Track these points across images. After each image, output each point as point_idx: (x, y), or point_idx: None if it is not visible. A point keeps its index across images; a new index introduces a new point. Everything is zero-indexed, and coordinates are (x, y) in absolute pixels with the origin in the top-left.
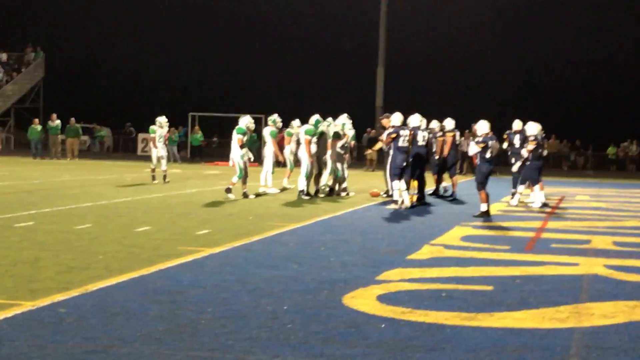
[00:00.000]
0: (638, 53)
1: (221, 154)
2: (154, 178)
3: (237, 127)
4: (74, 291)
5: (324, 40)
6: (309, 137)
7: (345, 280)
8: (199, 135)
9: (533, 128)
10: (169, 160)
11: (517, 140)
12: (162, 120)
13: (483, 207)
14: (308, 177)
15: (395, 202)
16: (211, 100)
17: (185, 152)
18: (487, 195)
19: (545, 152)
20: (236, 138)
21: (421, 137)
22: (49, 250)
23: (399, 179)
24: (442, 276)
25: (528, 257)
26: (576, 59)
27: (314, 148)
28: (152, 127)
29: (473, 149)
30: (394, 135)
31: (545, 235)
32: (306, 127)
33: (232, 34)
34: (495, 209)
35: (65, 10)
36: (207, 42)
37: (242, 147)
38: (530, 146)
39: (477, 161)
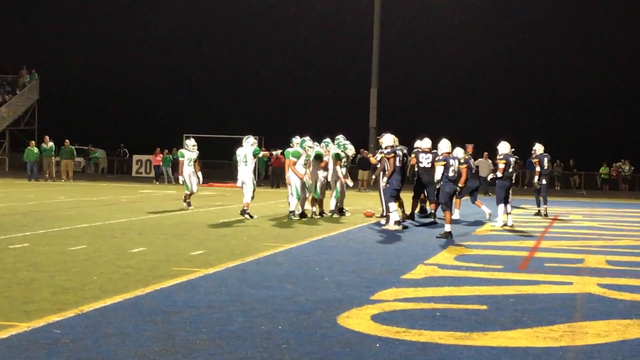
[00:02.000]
0: (633, 74)
1: (216, 175)
2: (189, 204)
3: (292, 149)
4: (68, 312)
5: (317, 61)
6: (294, 159)
7: (339, 300)
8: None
9: (504, 147)
10: (163, 181)
11: (546, 163)
12: (189, 143)
13: (447, 228)
14: (299, 198)
15: (397, 222)
16: (205, 122)
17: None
18: (451, 215)
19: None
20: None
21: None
22: (43, 272)
23: (395, 200)
24: (437, 295)
25: (522, 276)
26: (570, 80)
27: (302, 169)
28: (180, 151)
29: (438, 170)
30: (392, 155)
31: (538, 254)
32: (292, 149)
33: (226, 54)
34: (488, 229)
35: (59, 32)
36: (201, 63)
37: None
38: (501, 165)
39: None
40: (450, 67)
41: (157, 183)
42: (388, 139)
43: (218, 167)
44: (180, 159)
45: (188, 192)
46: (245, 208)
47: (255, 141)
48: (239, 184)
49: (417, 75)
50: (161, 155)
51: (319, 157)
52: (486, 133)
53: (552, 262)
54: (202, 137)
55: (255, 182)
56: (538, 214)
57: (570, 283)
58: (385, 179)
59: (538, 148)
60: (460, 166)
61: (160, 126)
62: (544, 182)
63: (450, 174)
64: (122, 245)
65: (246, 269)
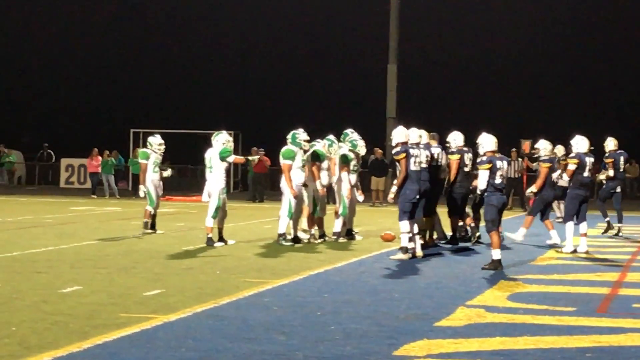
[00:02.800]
0: None
1: (173, 185)
2: (152, 227)
3: (284, 149)
4: None
5: (318, 32)
6: (289, 163)
7: (351, 357)
8: None
9: (582, 144)
10: (103, 193)
11: (622, 163)
12: (155, 141)
13: (495, 255)
14: (291, 216)
15: (403, 249)
16: (157, 114)
17: (126, 182)
18: (500, 238)
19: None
20: (221, 169)
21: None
22: None
23: (410, 217)
24: (485, 349)
25: (602, 321)
26: None
27: (299, 175)
28: (143, 151)
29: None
30: (402, 156)
31: (623, 291)
32: (286, 147)
33: (187, 26)
34: (553, 255)
35: None
36: (149, 37)
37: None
38: (571, 166)
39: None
40: (495, 41)
41: (95, 197)
42: (398, 134)
43: (179, 174)
44: (143, 162)
45: (151, 210)
46: (208, 234)
47: (229, 140)
48: (204, 197)
49: (449, 47)
50: (100, 158)
51: (316, 158)
52: (544, 125)
53: None
54: (157, 134)
55: (222, 194)
56: (608, 231)
57: None
58: (394, 188)
59: (611, 143)
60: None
61: (98, 120)
62: (618, 189)
63: (498, 180)
64: (50, 283)
65: (221, 315)
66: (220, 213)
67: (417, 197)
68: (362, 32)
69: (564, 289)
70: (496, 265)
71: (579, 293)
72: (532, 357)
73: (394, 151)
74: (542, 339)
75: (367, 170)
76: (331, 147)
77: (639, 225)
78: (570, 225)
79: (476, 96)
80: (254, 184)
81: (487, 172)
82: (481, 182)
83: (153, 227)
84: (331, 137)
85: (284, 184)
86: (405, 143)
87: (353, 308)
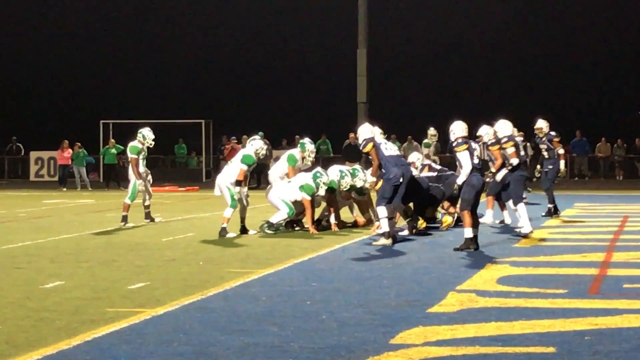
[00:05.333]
0: None
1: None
2: (150, 217)
3: (243, 154)
4: None
5: (287, 16)
6: (291, 166)
7: (348, 347)
8: (114, 150)
9: (506, 127)
10: (75, 186)
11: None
12: (149, 136)
13: (467, 233)
14: (292, 213)
15: (385, 235)
16: (127, 104)
17: (97, 174)
18: (472, 218)
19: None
20: (238, 169)
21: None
22: None
23: (388, 202)
24: (482, 335)
25: (595, 303)
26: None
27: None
28: (133, 145)
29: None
30: (370, 146)
31: (612, 271)
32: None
33: (155, 11)
34: (536, 237)
35: None
36: (117, 27)
37: (240, 183)
38: (510, 150)
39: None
40: (469, 19)
41: (65, 189)
42: (364, 131)
43: (152, 164)
44: (133, 156)
45: (129, 203)
46: (223, 224)
47: (263, 147)
48: (216, 191)
49: (420, 31)
50: (70, 150)
51: (332, 191)
52: (508, 109)
53: (633, 282)
54: (127, 124)
55: (233, 187)
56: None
57: None
58: (370, 178)
59: (543, 125)
60: (492, 147)
61: (68, 112)
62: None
63: (476, 160)
64: (31, 278)
65: (209, 307)
66: (240, 204)
67: (401, 180)
68: (332, 16)
69: (552, 270)
70: (468, 244)
71: (568, 274)
72: (530, 342)
73: (360, 146)
74: (538, 323)
75: (340, 156)
76: (306, 152)
77: (625, 205)
78: (522, 206)
79: (448, 80)
80: None
81: (467, 152)
82: (466, 164)
83: (149, 217)
84: (306, 140)
85: (273, 175)
86: (370, 139)
87: (343, 296)
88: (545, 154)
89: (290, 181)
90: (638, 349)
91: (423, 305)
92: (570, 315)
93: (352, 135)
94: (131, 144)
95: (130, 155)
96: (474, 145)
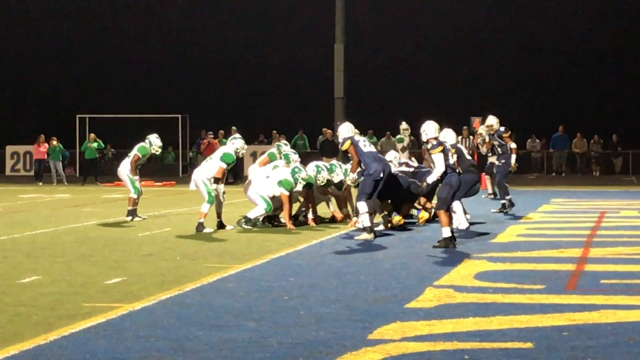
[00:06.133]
0: None
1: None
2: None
3: (223, 152)
4: None
5: (264, 11)
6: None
7: (326, 343)
8: (95, 145)
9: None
10: (51, 181)
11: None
12: (157, 143)
13: (445, 232)
14: (270, 209)
15: (367, 230)
16: (104, 99)
17: (73, 168)
18: (449, 217)
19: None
20: (217, 166)
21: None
22: None
23: (368, 198)
24: (460, 331)
25: (573, 298)
26: (602, 31)
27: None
28: (143, 146)
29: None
30: (348, 143)
31: (589, 267)
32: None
33: (131, 5)
34: (513, 233)
35: None
36: (94, 21)
37: (218, 181)
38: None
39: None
40: (446, 14)
41: (41, 184)
42: (344, 130)
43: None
44: (138, 154)
45: (135, 197)
46: (200, 219)
47: (243, 147)
48: (191, 186)
49: (397, 27)
50: (46, 145)
51: (309, 187)
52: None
53: (610, 278)
54: (104, 119)
55: (209, 183)
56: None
57: None
58: (351, 175)
59: (494, 122)
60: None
61: (44, 106)
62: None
63: (451, 161)
64: (7, 273)
65: (187, 302)
66: (217, 200)
67: (381, 175)
68: (309, 11)
69: (529, 266)
70: (447, 243)
71: (545, 270)
72: (508, 338)
73: (340, 145)
74: (516, 318)
75: (317, 151)
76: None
77: (602, 200)
78: (457, 204)
79: (426, 76)
80: None
81: (442, 154)
82: (439, 165)
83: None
84: (282, 143)
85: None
86: (350, 137)
87: (320, 291)
88: (498, 149)
89: (269, 177)
90: (615, 344)
91: (401, 301)
92: (548, 310)
93: (328, 131)
94: (142, 144)
95: (137, 153)
96: (447, 146)
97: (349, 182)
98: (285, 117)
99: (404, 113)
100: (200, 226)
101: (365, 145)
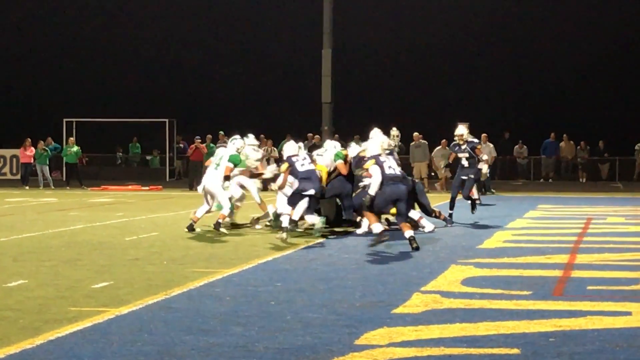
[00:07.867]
0: None
1: (109, 174)
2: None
3: (229, 154)
4: None
5: (252, 16)
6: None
7: (312, 348)
8: (75, 149)
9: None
10: (37, 184)
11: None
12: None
13: (375, 228)
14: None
15: (283, 228)
16: (90, 103)
17: (59, 172)
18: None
19: None
20: (224, 167)
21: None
22: None
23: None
24: (447, 336)
25: (559, 305)
26: (591, 40)
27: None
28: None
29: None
30: (285, 165)
31: (576, 273)
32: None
33: (118, 9)
34: (500, 239)
35: None
36: (81, 25)
37: (227, 178)
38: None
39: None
40: (434, 20)
41: (27, 187)
42: (288, 149)
43: (109, 163)
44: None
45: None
46: (219, 220)
47: (243, 146)
48: (199, 189)
49: (384, 32)
50: (33, 149)
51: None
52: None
53: (596, 284)
54: (91, 123)
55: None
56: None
57: (629, 313)
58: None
59: (465, 132)
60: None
61: (30, 110)
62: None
63: (388, 171)
64: None
65: (173, 307)
66: (205, 203)
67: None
68: (297, 16)
69: (516, 272)
70: (381, 237)
71: (532, 276)
72: (495, 344)
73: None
74: (503, 324)
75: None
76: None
77: (588, 207)
78: (414, 212)
79: (413, 81)
80: (192, 172)
81: (378, 167)
82: (376, 178)
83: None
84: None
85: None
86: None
87: (307, 296)
88: (464, 162)
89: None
90: (602, 350)
91: (388, 306)
92: (535, 316)
93: (312, 135)
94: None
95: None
96: (382, 158)
97: (273, 188)
98: (272, 122)
99: (392, 118)
100: (217, 225)
101: (304, 165)
